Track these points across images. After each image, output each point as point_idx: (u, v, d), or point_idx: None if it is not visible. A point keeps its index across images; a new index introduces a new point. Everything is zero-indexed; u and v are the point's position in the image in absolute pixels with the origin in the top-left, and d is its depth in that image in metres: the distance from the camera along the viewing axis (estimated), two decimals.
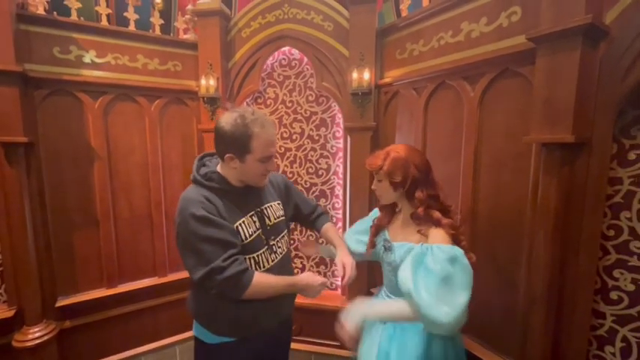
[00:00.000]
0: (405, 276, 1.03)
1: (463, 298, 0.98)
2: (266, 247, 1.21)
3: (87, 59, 1.92)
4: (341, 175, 2.25)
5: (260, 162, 1.11)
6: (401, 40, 1.85)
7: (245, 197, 1.21)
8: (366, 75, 1.91)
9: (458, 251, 1.05)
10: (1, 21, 1.60)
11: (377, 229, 1.31)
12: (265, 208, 1.25)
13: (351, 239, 1.39)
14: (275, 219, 1.26)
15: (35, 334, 1.81)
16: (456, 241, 1.10)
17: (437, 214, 1.11)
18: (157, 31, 2.18)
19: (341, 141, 2.23)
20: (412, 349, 1.13)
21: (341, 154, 2.24)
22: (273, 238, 1.25)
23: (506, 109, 1.38)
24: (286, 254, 1.30)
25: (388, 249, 1.22)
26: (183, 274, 2.31)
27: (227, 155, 1.10)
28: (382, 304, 1.21)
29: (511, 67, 1.32)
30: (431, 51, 1.67)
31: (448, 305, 0.96)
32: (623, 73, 1.02)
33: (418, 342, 1.13)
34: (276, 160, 1.37)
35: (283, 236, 1.30)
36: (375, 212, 1.38)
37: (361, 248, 1.35)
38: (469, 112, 1.50)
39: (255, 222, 1.19)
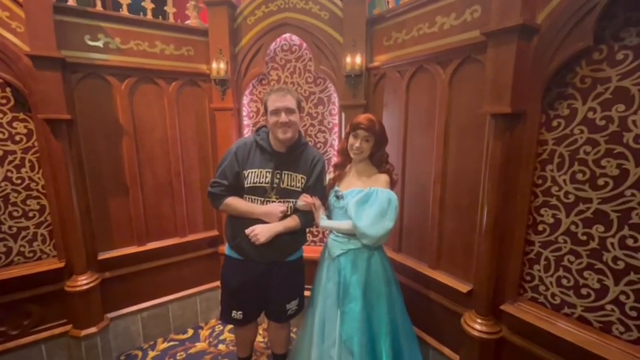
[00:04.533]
0: (352, 207, 1.58)
1: (389, 224, 1.58)
2: (265, 199, 1.63)
3: (113, 46, 2.18)
4: (336, 148, 2.59)
5: (271, 114, 1.57)
6: (387, 29, 2.15)
7: (272, 157, 1.62)
8: (358, 59, 2.21)
9: (393, 195, 1.60)
10: (44, 13, 1.85)
11: (333, 183, 1.76)
12: (284, 173, 1.63)
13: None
14: (288, 185, 1.64)
15: (83, 282, 2.16)
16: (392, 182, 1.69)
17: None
18: (171, 20, 2.43)
19: (336, 117, 2.55)
20: (360, 263, 1.65)
21: (336, 129, 2.57)
22: (277, 198, 1.63)
23: (469, 88, 1.72)
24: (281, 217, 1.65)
25: (340, 197, 1.68)
26: (201, 235, 2.68)
27: (264, 117, 1.64)
28: (335, 222, 1.70)
29: (472, 54, 1.66)
30: (412, 39, 1.98)
31: (377, 226, 1.56)
32: (548, 60, 1.37)
33: (365, 257, 1.66)
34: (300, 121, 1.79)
35: (288, 202, 1.65)
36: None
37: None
38: (441, 91, 1.84)
39: (266, 177, 1.60)
